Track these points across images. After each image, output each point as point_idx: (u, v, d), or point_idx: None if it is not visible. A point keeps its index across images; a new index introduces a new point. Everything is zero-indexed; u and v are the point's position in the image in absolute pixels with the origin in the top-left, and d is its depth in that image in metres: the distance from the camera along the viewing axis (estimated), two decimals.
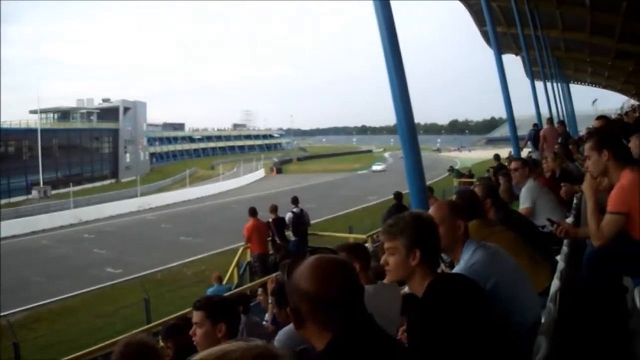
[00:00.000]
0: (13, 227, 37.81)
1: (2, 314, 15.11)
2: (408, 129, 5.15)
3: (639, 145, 4.72)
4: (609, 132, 3.06)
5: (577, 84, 37.99)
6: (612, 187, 2.97)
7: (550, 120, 13.74)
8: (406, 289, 2.93)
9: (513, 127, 13.20)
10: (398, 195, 10.67)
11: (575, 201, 5.02)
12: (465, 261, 2.46)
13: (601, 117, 7.94)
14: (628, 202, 2.86)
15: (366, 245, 9.79)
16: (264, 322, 5.60)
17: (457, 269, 2.45)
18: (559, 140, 11.66)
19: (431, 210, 2.67)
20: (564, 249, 3.54)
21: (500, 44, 14.39)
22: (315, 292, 1.46)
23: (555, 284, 2.70)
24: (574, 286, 2.73)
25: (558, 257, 3.77)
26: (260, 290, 6.44)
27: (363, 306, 1.54)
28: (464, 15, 21.97)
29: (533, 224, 4.24)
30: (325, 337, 1.49)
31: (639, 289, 2.81)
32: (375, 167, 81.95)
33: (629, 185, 2.86)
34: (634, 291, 2.86)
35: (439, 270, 2.73)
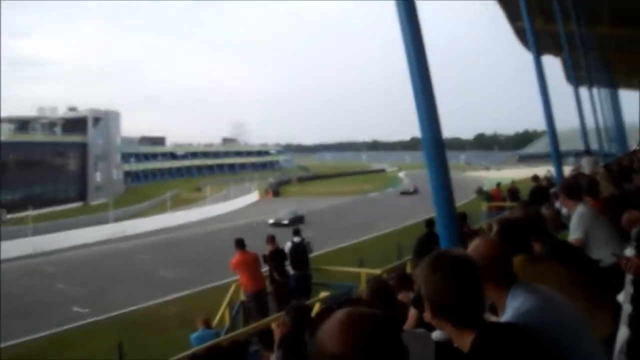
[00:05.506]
0: None
1: None
2: (435, 144, 5.06)
3: None
4: None
5: (628, 89, 37.43)
6: None
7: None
8: (436, 334, 2.83)
9: (554, 142, 12.87)
10: (429, 223, 10.30)
11: (636, 229, 4.85)
12: (514, 309, 2.34)
13: None
14: None
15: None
16: None
17: (505, 319, 2.33)
18: None
19: (478, 247, 2.56)
20: (628, 288, 3.42)
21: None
22: (342, 355, 1.32)
23: (623, 332, 2.61)
24: None
25: (619, 298, 3.66)
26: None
27: None
28: (493, 10, 22.00)
29: (588, 257, 4.15)
30: None
31: None
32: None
33: None
34: None
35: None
